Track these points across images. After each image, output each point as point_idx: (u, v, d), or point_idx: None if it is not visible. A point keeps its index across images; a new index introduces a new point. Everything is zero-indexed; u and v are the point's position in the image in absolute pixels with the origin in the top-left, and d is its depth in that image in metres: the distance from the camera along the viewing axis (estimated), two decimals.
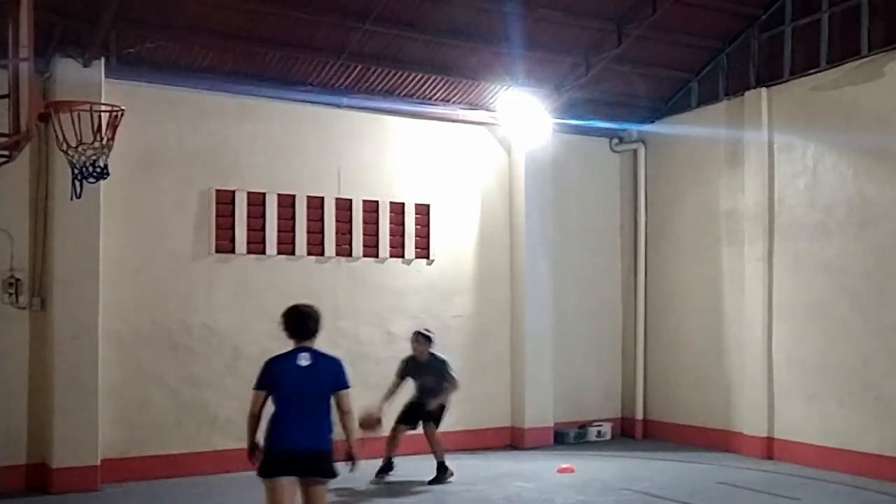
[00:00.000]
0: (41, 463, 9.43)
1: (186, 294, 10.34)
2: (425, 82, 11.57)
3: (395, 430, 10.15)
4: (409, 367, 10.24)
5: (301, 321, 6.05)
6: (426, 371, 10.16)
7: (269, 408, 5.96)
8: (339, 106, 11.30)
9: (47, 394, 9.42)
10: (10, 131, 6.53)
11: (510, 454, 11.77)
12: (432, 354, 10.22)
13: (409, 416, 10.22)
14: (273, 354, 6.04)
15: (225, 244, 10.62)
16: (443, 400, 10.15)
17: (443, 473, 9.99)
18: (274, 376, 5.92)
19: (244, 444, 5.99)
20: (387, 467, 10.11)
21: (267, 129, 10.89)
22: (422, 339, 10.24)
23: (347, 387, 6.00)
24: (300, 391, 5.86)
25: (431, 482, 9.87)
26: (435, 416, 10.13)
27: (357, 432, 6.18)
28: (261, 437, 5.92)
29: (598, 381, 13.29)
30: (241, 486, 9.42)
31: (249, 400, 5.98)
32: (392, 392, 10.17)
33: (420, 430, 10.14)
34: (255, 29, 10.19)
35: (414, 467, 10.47)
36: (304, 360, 5.91)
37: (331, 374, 5.97)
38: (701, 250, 12.41)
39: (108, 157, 7.56)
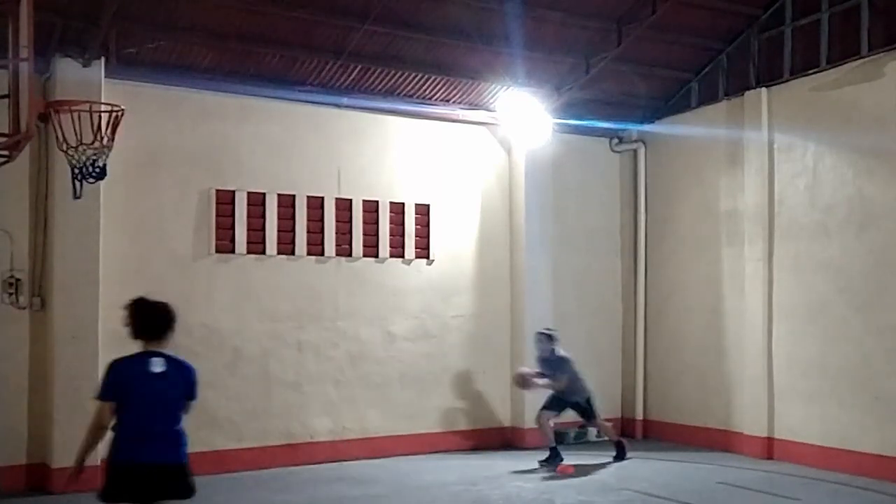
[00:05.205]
0: (41, 463, 9.42)
1: (186, 294, 10.28)
2: (425, 82, 11.56)
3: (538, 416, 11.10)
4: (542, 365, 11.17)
5: (152, 318, 5.25)
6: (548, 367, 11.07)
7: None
8: (339, 106, 11.29)
9: (47, 394, 9.42)
10: (10, 131, 6.53)
11: (510, 454, 11.76)
12: (553, 351, 11.10)
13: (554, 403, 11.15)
14: (117, 357, 5.28)
15: (225, 244, 10.62)
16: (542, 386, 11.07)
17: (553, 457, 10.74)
18: (122, 383, 5.11)
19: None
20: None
21: (267, 129, 10.88)
22: (543, 338, 11.15)
23: (195, 398, 5.40)
24: (152, 402, 5.14)
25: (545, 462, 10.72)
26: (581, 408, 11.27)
27: None
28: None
29: (598, 381, 13.18)
30: (242, 487, 9.43)
31: (93, 412, 5.23)
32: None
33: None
34: (255, 29, 10.18)
35: (415, 467, 10.49)
36: (156, 365, 5.15)
37: (186, 385, 5.32)
38: (701, 250, 12.40)
39: (107, 157, 7.56)
